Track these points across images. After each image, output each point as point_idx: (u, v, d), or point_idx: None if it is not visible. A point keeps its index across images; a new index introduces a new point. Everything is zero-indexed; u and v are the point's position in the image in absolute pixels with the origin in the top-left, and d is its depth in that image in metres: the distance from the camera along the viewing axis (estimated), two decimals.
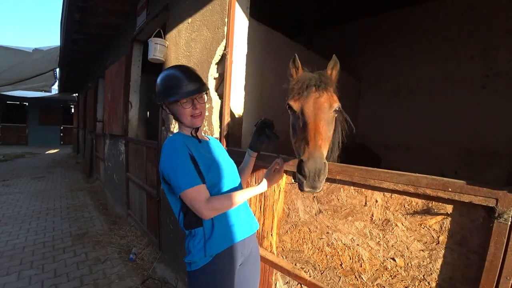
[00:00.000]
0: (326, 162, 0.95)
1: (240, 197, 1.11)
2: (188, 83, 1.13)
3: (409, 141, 3.87)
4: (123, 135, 3.82)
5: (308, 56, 2.88)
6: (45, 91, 13.46)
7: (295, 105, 1.11)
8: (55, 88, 13.45)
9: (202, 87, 1.17)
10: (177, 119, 1.20)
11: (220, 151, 1.31)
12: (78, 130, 11.12)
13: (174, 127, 2.37)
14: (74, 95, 12.78)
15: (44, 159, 10.57)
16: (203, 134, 1.33)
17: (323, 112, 1.07)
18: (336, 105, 1.11)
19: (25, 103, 15.35)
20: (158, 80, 1.18)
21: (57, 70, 7.37)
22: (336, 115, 1.14)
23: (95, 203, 4.93)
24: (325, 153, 1.01)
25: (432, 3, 3.69)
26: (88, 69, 7.16)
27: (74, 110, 15.54)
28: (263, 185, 1.19)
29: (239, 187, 1.26)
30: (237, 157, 1.46)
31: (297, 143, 1.08)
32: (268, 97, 2.30)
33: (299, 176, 0.95)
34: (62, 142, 16.49)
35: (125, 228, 3.72)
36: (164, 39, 2.57)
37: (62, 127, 16.58)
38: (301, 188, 0.97)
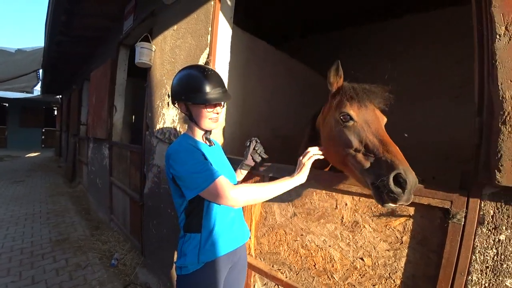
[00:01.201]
0: None
1: (273, 190, 1.09)
2: (217, 87, 1.14)
3: None
4: (107, 139, 3.78)
5: (293, 65, 2.97)
6: (27, 92, 13.06)
7: (357, 116, 1.02)
8: (37, 89, 13.07)
9: (228, 94, 1.20)
10: (192, 120, 1.20)
11: (224, 158, 1.35)
12: (61, 133, 10.81)
13: (158, 131, 2.39)
14: (58, 97, 12.47)
15: (24, 162, 10.22)
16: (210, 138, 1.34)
17: (382, 126, 1.04)
18: (385, 120, 1.08)
19: (5, 104, 14.81)
20: (182, 78, 1.17)
21: (40, 71, 7.21)
22: None
23: (77, 208, 4.81)
24: None
25: (411, 16, 3.88)
26: (73, 71, 7.03)
27: (57, 113, 15.12)
28: (302, 177, 1.11)
29: None
30: None
31: (368, 156, 0.95)
32: (251, 103, 2.36)
33: (396, 189, 0.84)
34: (43, 145, 15.97)
35: (107, 233, 3.65)
36: (151, 44, 2.60)
37: (44, 130, 16.07)
38: (392, 203, 0.86)
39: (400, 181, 0.84)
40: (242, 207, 1.42)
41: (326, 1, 3.68)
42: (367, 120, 1.02)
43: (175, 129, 2.14)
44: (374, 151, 0.94)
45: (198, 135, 1.24)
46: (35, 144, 15.51)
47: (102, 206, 4.32)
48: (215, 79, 1.16)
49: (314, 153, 1.13)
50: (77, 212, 4.60)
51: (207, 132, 1.24)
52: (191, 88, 1.13)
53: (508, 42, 0.81)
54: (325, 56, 4.68)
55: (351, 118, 1.03)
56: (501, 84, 0.82)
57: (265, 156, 1.37)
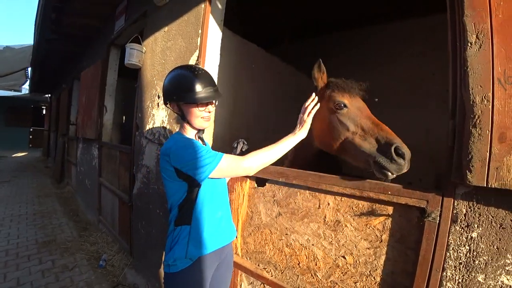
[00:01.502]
0: None
1: (280, 150, 1.18)
2: (207, 86, 1.17)
3: None
4: (97, 139, 3.75)
5: (283, 68, 3.01)
6: (15, 90, 12.77)
7: (349, 102, 1.21)
8: (25, 88, 12.82)
9: (219, 92, 1.23)
10: (185, 119, 1.22)
11: None
12: (49, 133, 10.60)
13: (148, 132, 2.39)
14: (47, 96, 12.24)
15: (10, 162, 9.99)
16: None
17: None
18: None
19: None
20: (173, 78, 1.20)
21: (29, 69, 7.08)
22: None
23: (64, 209, 4.74)
24: None
25: (399, 23, 3.97)
26: (63, 70, 6.93)
27: (45, 112, 14.81)
28: (303, 132, 1.24)
29: (227, 199, 1.34)
30: None
31: (366, 136, 1.11)
32: (240, 105, 2.39)
33: (399, 159, 1.00)
34: (30, 145, 15.55)
35: (95, 234, 3.62)
36: (141, 45, 2.60)
37: (31, 129, 15.69)
38: (397, 172, 1.01)
39: (399, 153, 1.00)
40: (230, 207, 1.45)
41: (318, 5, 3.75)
42: (358, 106, 1.19)
43: (164, 129, 2.15)
44: (370, 132, 1.10)
45: (191, 134, 1.26)
46: (22, 144, 15.12)
47: (90, 207, 4.26)
48: (206, 78, 1.19)
49: (312, 107, 1.26)
50: (64, 213, 4.54)
51: (200, 131, 1.27)
52: (183, 88, 1.15)
53: (479, 50, 0.86)
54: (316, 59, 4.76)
55: (345, 106, 1.20)
56: (472, 89, 0.86)
57: None
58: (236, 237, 1.55)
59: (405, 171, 1.01)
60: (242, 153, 1.41)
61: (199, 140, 1.28)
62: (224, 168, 1.10)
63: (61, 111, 7.20)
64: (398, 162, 0.99)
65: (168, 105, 1.25)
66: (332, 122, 1.22)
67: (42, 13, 3.79)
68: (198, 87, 1.15)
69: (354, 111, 1.18)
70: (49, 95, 11.60)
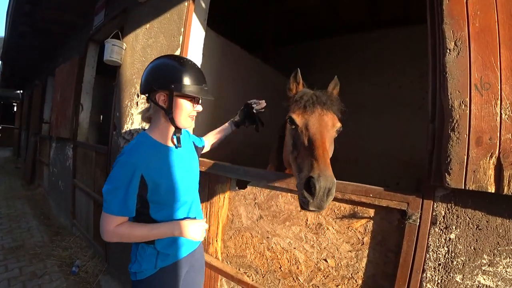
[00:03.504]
0: (335, 181, 0.86)
1: (147, 236, 1.02)
2: (205, 83, 1.07)
3: (358, 155, 4.17)
4: (72, 139, 3.57)
5: (265, 71, 3.00)
6: None
7: (298, 119, 1.06)
8: None
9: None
10: (170, 114, 1.02)
11: (190, 161, 1.20)
12: (20, 131, 10.05)
13: (126, 132, 2.29)
14: (18, 92, 11.61)
15: None
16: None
17: (328, 131, 1.05)
18: (339, 125, 1.10)
19: None
20: (176, 64, 1.03)
21: None
22: (336, 135, 1.12)
23: (35, 212, 4.46)
24: None
25: (379, 32, 4.10)
26: (37, 65, 6.58)
27: (17, 109, 14.05)
28: (172, 229, 1.05)
29: (196, 202, 1.21)
30: None
31: (299, 159, 0.99)
32: (223, 107, 2.34)
33: (306, 194, 0.85)
34: None
35: (68, 239, 3.42)
36: (122, 41, 2.51)
37: (0, 127, 14.81)
38: (305, 207, 0.87)
39: (310, 186, 0.84)
40: (206, 209, 1.40)
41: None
42: (308, 124, 1.04)
43: (143, 129, 2.07)
44: (302, 154, 0.98)
45: (165, 135, 1.08)
46: None
47: (63, 210, 4.06)
48: (202, 74, 1.10)
49: (200, 229, 1.09)
50: (35, 217, 4.27)
51: (179, 130, 1.09)
52: (186, 76, 1.00)
53: (457, 56, 0.88)
54: (296, 65, 4.82)
55: (294, 122, 1.08)
56: (451, 94, 0.88)
57: (259, 122, 1.44)
58: (216, 241, 1.51)
59: (316, 209, 0.86)
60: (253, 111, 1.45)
61: (173, 142, 1.11)
62: (102, 217, 0.97)
63: (33, 109, 6.83)
64: (304, 195, 0.85)
65: (151, 94, 1.03)
66: (286, 136, 1.16)
67: (15, 3, 3.57)
68: (200, 80, 1.03)
69: (301, 128, 1.05)
70: (21, 91, 11.02)
